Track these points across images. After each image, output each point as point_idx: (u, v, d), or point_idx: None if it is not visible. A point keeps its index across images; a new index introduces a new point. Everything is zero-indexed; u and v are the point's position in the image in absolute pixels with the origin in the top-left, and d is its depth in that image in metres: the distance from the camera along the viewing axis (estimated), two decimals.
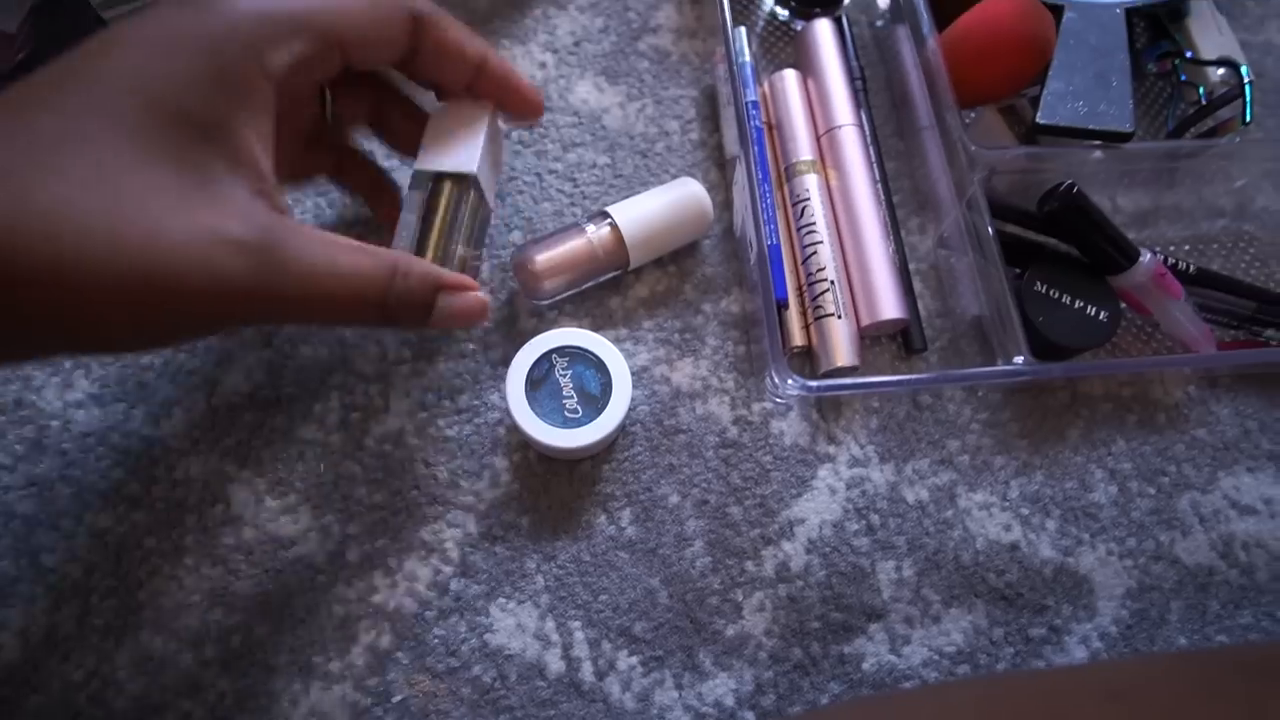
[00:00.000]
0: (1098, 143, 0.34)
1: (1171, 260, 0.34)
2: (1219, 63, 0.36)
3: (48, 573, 0.28)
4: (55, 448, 0.30)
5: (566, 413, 0.30)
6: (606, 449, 0.32)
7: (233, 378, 0.31)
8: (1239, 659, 0.23)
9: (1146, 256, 0.32)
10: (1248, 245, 0.38)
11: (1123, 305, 0.34)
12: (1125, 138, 0.32)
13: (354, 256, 0.22)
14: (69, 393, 0.31)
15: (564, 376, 0.30)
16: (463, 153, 0.28)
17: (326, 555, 0.30)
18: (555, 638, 0.29)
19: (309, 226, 0.22)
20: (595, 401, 0.30)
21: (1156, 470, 0.34)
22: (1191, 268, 0.34)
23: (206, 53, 0.20)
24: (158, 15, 0.21)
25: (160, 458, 0.30)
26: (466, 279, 0.26)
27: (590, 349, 0.30)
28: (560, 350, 0.30)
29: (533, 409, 0.29)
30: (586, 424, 0.29)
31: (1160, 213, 0.39)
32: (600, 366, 0.30)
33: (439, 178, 0.28)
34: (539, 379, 0.30)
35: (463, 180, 0.28)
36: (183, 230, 0.18)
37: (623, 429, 0.32)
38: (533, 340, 0.30)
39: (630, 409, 0.32)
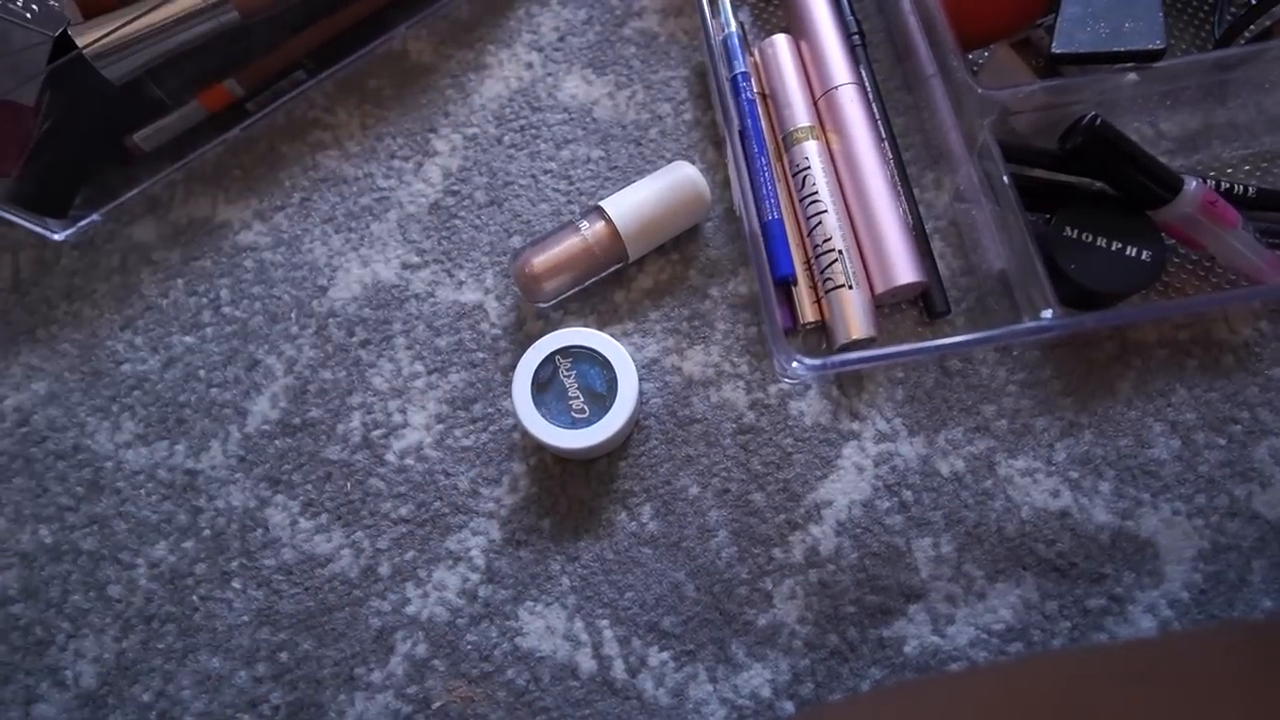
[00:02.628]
0: (1130, 65, 0.31)
1: (1226, 184, 0.31)
2: None
3: (114, 603, 0.31)
4: (111, 486, 0.32)
5: (574, 413, 0.29)
6: (622, 445, 0.32)
7: (260, 406, 0.33)
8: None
9: (1192, 184, 0.29)
10: None
11: (1170, 241, 0.31)
12: (1156, 55, 0.29)
13: None
14: (118, 434, 0.33)
15: (569, 377, 0.30)
16: None
17: (360, 570, 0.31)
18: (584, 637, 0.29)
19: None
20: (602, 399, 0.29)
21: (1226, 418, 0.31)
22: (1251, 190, 0.31)
23: None
24: None
25: (203, 488, 0.32)
26: None
27: (594, 347, 0.30)
28: (564, 351, 0.30)
29: (540, 412, 0.29)
30: (595, 422, 0.29)
31: (1212, 132, 0.35)
32: (605, 364, 0.30)
33: None
34: (544, 381, 0.30)
35: None
36: None
37: (635, 424, 0.32)
38: (536, 344, 0.30)
39: (642, 402, 0.32)
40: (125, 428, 0.33)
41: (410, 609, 0.30)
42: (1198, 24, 0.36)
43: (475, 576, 0.30)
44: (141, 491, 0.32)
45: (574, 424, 0.29)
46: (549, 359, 0.30)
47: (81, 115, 0.34)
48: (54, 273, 0.36)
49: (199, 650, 0.30)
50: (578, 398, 0.30)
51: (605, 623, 0.29)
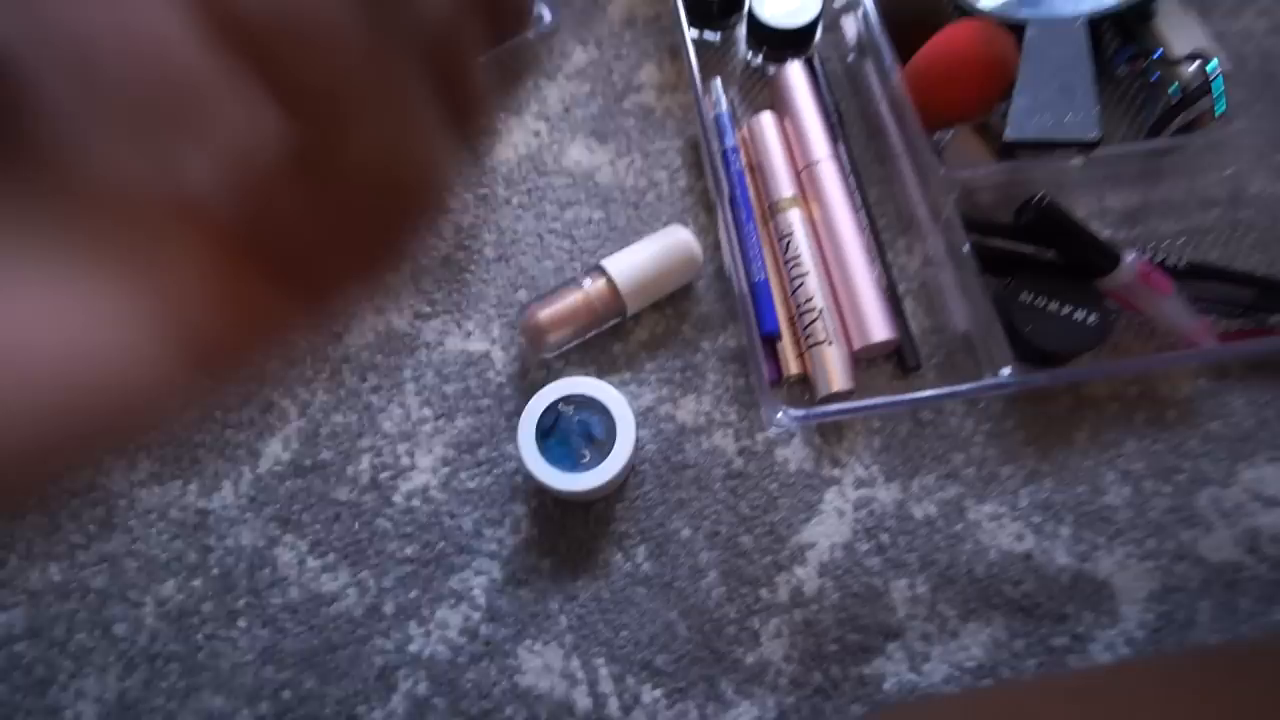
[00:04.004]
0: (1074, 151, 0.35)
1: (1160, 256, 0.35)
2: (1188, 58, 0.37)
3: (119, 641, 0.31)
4: (123, 524, 0.33)
5: (576, 457, 0.31)
6: (618, 488, 0.34)
7: (273, 448, 0.34)
8: (1203, 656, 0.23)
9: (1129, 257, 0.32)
10: (1245, 232, 0.38)
11: (1115, 306, 0.34)
12: (1093, 145, 0.33)
13: None
14: (134, 472, 0.34)
15: (571, 423, 0.32)
16: None
17: (365, 609, 0.32)
18: (581, 675, 0.31)
19: None
20: (602, 445, 0.32)
21: (1171, 468, 0.33)
22: (1183, 262, 0.35)
23: None
24: None
25: (213, 527, 0.33)
26: None
27: (594, 395, 0.32)
28: (566, 399, 0.32)
29: (544, 456, 0.31)
30: (595, 467, 0.31)
31: (1151, 209, 0.39)
32: (604, 411, 0.32)
33: None
34: (548, 428, 0.32)
35: None
36: None
37: (632, 468, 0.34)
38: (540, 392, 0.32)
39: (638, 448, 0.34)
40: (141, 466, 0.34)
41: (413, 647, 0.31)
42: (1133, 115, 0.40)
43: (476, 615, 0.32)
44: (153, 530, 0.33)
45: (575, 468, 0.31)
46: (552, 406, 0.32)
47: None
48: None
49: (202, 689, 0.31)
50: (579, 443, 0.32)
51: (601, 660, 0.31)
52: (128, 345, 0.11)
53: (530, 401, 0.32)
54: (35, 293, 0.11)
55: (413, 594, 0.32)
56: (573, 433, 0.32)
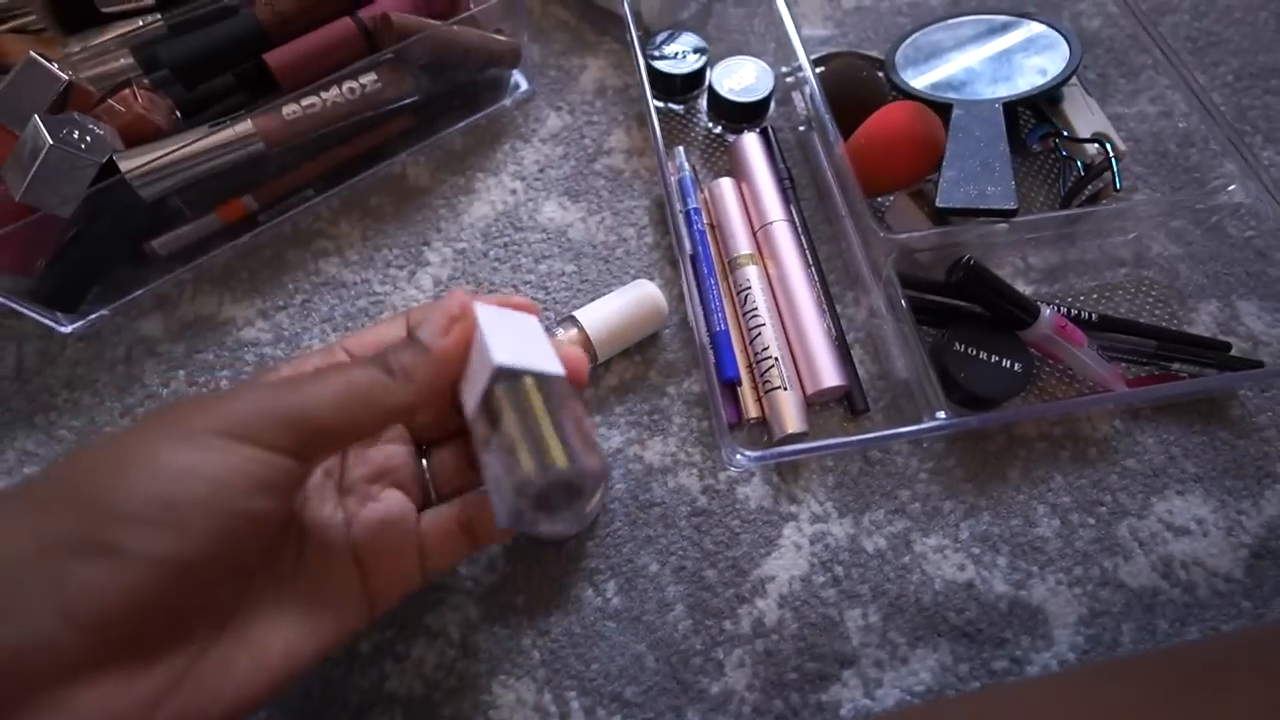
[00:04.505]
0: (996, 218, 0.39)
1: (1075, 310, 0.39)
2: (1091, 139, 0.42)
3: None
4: None
5: None
6: (589, 526, 0.35)
7: None
8: (1104, 668, 0.28)
9: (1046, 311, 0.36)
10: (1149, 288, 0.43)
11: (1037, 355, 0.38)
12: (1011, 214, 0.38)
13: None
14: None
15: None
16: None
17: (340, 648, 0.32)
18: (553, 709, 0.32)
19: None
20: None
21: (1094, 501, 0.37)
22: (1093, 316, 0.39)
23: None
24: None
25: None
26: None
27: None
28: None
29: None
30: None
31: (1068, 267, 0.44)
32: None
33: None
34: None
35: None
36: None
37: (602, 507, 0.36)
38: None
39: (608, 487, 0.36)
40: None
41: (389, 685, 0.32)
42: (1049, 185, 0.46)
43: (452, 652, 0.32)
44: None
45: None
46: None
47: (108, 225, 0.37)
48: (57, 363, 0.38)
49: None
50: None
51: (573, 694, 0.32)
52: (352, 613, 0.26)
53: None
54: (283, 631, 0.24)
55: (389, 633, 0.33)
56: None
